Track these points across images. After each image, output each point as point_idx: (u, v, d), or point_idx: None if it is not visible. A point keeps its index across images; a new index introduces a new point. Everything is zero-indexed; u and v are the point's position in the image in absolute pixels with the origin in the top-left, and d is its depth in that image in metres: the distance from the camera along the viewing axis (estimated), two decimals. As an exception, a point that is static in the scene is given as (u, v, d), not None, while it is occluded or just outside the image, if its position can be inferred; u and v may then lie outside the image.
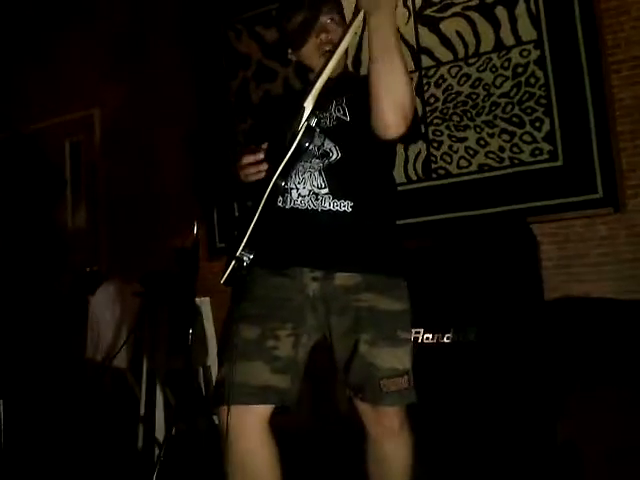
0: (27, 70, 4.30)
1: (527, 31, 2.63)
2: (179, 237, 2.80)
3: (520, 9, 2.64)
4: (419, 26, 2.88)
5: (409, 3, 2.90)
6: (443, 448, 2.17)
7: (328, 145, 1.42)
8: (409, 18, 2.88)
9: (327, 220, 1.37)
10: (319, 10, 1.46)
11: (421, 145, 2.83)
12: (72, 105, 4.09)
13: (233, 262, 1.35)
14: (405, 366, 1.40)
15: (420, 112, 2.78)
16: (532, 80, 2.63)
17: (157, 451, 2.47)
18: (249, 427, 1.31)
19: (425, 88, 2.84)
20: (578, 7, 2.51)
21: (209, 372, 2.75)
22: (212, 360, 2.78)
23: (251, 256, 1.34)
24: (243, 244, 1.34)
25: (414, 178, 2.85)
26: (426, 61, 2.85)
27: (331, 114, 1.45)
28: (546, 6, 2.59)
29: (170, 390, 2.61)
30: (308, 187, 1.39)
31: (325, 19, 1.46)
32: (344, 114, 1.44)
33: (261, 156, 1.36)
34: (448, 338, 2.35)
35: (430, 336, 2.38)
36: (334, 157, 1.41)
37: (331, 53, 1.33)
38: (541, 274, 2.45)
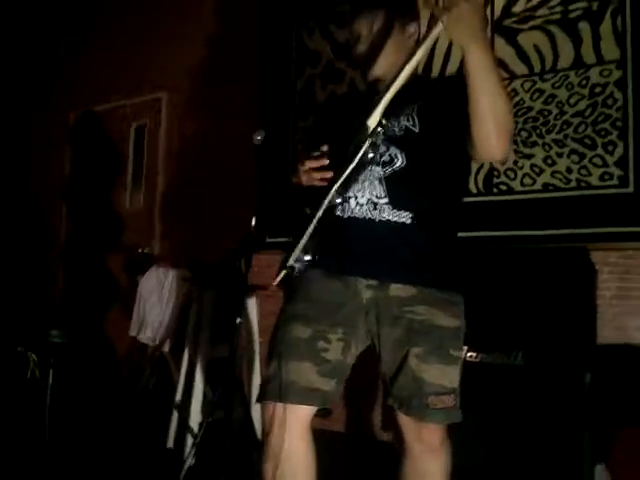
0: (102, 50, 4.43)
1: (610, 50, 2.51)
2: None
3: (605, 26, 2.52)
4: (496, 36, 2.80)
5: (488, 12, 2.82)
6: (479, 466, 2.12)
7: (393, 151, 1.38)
8: (486, 27, 2.81)
9: (384, 230, 1.35)
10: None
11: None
12: (141, 88, 4.19)
13: (284, 271, 1.35)
14: (453, 385, 1.37)
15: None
16: (610, 101, 2.52)
17: (189, 438, 2.49)
18: (291, 424, 1.31)
19: (495, 100, 2.76)
20: (668, 29, 2.40)
21: (251, 363, 2.77)
22: (254, 351, 2.79)
23: (305, 258, 1.34)
24: (296, 254, 1.34)
25: (474, 191, 2.78)
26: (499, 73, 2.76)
27: (399, 123, 1.40)
28: (633, 25, 2.47)
29: (207, 381, 2.62)
30: (367, 196, 1.37)
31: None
32: (413, 124, 1.40)
33: (326, 162, 1.34)
34: (492, 359, 2.29)
35: (474, 354, 2.32)
36: (399, 164, 1.37)
37: (401, 67, 1.29)
38: (596, 304, 2.36)
